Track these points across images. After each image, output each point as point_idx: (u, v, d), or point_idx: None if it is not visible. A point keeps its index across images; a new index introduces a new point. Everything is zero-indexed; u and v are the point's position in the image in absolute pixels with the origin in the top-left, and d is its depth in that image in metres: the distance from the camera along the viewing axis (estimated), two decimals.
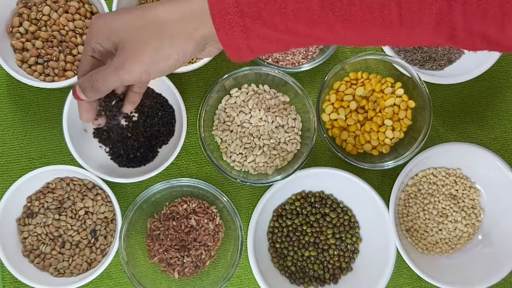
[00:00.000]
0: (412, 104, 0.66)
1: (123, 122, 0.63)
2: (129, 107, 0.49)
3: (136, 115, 0.64)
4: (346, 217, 0.68)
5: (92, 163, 0.61)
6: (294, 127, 0.66)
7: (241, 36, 0.38)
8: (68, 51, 0.61)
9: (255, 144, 0.65)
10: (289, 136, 0.66)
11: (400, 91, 0.66)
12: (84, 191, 0.63)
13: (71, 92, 0.60)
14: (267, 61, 0.65)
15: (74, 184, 0.63)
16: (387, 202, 0.64)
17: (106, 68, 0.42)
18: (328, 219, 0.67)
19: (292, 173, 0.62)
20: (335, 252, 0.67)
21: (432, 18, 0.37)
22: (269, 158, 0.65)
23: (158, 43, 0.40)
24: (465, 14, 0.36)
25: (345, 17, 0.37)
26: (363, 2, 0.36)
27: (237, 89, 0.66)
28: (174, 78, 0.65)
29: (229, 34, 0.38)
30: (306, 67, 0.64)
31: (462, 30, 0.37)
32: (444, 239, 0.68)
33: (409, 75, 0.64)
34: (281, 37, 0.39)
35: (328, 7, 0.37)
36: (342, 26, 0.38)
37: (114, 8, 0.60)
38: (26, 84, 0.60)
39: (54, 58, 0.61)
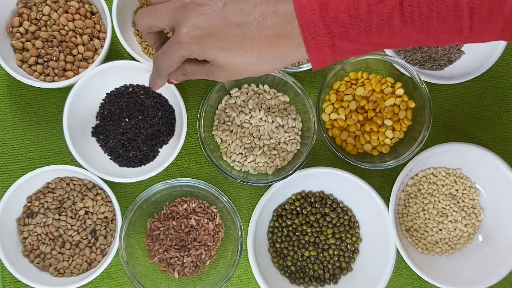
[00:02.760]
0: (412, 104, 0.66)
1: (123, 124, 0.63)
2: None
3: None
4: (346, 217, 0.68)
5: (92, 163, 0.61)
6: (294, 127, 0.66)
7: (329, 53, 0.41)
8: (68, 51, 0.61)
9: (255, 144, 0.65)
10: (289, 136, 0.66)
11: (400, 91, 0.66)
12: (84, 191, 0.63)
13: (71, 92, 0.60)
14: None
15: (74, 184, 0.63)
16: (387, 202, 0.64)
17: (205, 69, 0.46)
18: (328, 219, 0.67)
19: (292, 173, 0.62)
20: (335, 252, 0.67)
21: (500, 26, 0.39)
22: (269, 158, 0.65)
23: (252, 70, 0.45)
24: None
25: (422, 28, 0.40)
26: (439, 15, 0.39)
27: (237, 89, 0.66)
28: None
29: (319, 53, 0.41)
30: (306, 67, 0.64)
31: None
32: (444, 239, 0.68)
33: (409, 75, 0.64)
34: (362, 48, 0.42)
35: (409, 22, 0.39)
36: (418, 35, 0.41)
37: (114, 8, 0.60)
38: (26, 84, 0.60)
39: (54, 58, 0.61)
